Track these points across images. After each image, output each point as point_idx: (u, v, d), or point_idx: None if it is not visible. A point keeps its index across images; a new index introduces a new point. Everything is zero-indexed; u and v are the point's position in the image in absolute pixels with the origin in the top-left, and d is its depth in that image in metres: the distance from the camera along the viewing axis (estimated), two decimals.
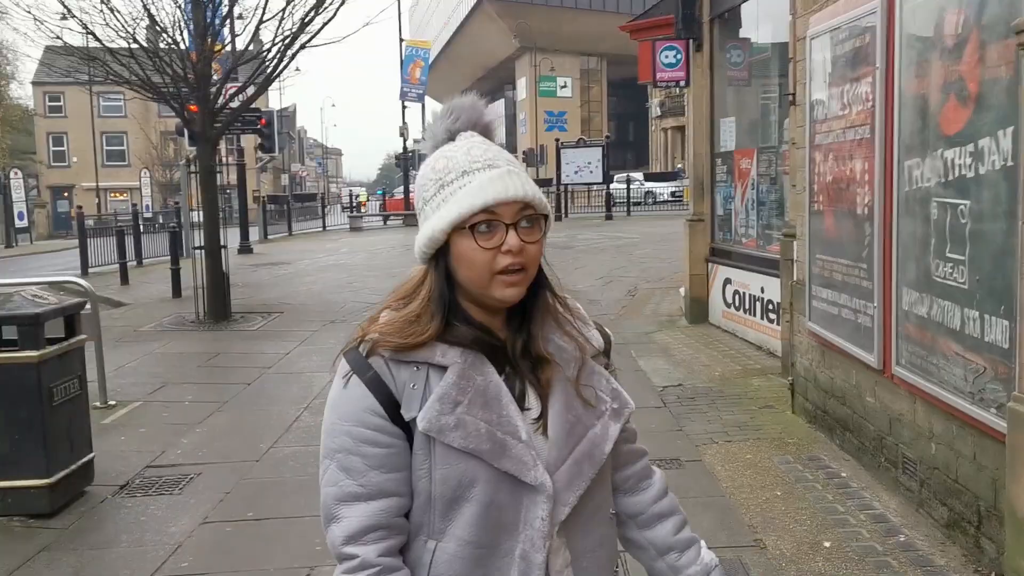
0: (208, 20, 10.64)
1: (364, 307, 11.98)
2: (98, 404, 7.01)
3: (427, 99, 36.21)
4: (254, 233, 26.16)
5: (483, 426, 1.29)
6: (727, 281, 9.53)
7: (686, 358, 8.42)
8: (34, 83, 55.03)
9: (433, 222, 1.32)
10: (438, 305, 1.34)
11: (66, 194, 57.56)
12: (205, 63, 10.64)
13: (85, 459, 5.15)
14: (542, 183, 39.21)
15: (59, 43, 11.38)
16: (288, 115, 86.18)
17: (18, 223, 38.39)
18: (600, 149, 29.81)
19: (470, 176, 1.31)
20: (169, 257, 14.15)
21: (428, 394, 1.30)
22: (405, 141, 34.32)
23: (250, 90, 12.08)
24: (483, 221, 1.29)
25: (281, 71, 10.87)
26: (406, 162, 33.42)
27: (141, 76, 10.46)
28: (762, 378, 7.46)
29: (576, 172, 29.53)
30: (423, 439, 1.30)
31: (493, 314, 1.37)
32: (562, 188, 29.55)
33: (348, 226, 31.02)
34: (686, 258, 10.27)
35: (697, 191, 10.23)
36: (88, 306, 6.21)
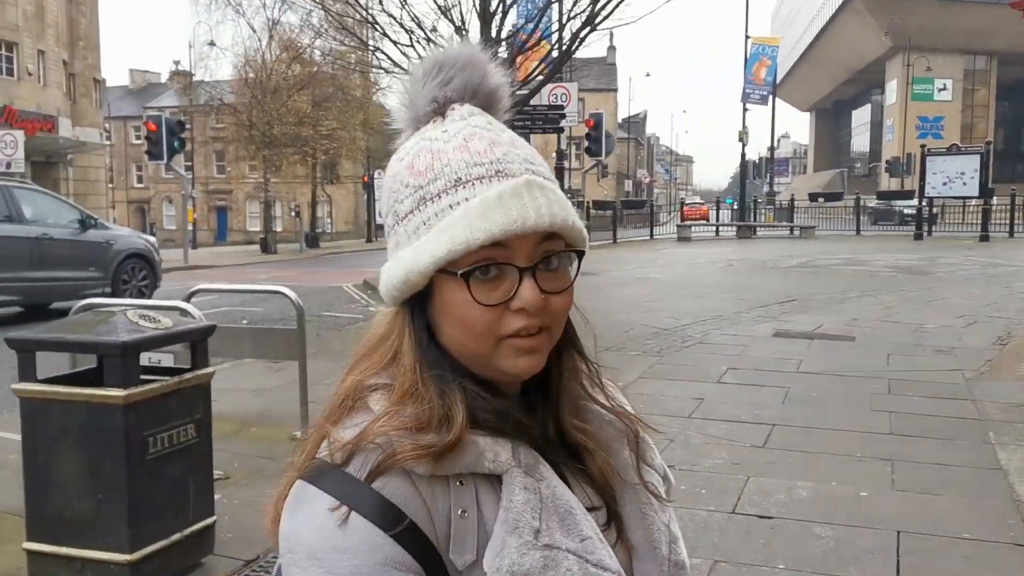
0: (494, 7, 9.58)
1: (651, 333, 10.29)
2: (299, 435, 6.10)
3: (778, 102, 33.39)
4: None
5: (573, 562, 0.85)
6: None
7: None
8: None
9: (408, 257, 0.90)
10: (440, 375, 0.90)
11: None
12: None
13: (199, 526, 4.08)
14: (903, 195, 34.47)
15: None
16: (637, 121, 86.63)
17: (378, 220, 41.91)
18: (978, 157, 25.10)
19: (467, 188, 0.88)
20: None
21: (484, 524, 0.86)
22: (744, 147, 31.83)
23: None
24: (485, 263, 0.86)
25: (570, 56, 9.48)
26: (743, 169, 30.93)
27: (406, 63, 9.69)
28: None
29: (944, 184, 25.16)
30: None
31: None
32: (925, 202, 25.33)
33: (676, 236, 29.35)
34: None
35: None
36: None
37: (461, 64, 0.95)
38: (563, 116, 16.04)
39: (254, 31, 37.05)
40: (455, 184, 0.88)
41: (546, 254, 0.89)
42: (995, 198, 25.88)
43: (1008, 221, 25.38)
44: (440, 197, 0.88)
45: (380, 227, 26.76)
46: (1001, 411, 6.80)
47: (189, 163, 55.62)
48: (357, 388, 0.93)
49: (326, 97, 36.38)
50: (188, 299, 6.39)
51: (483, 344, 0.89)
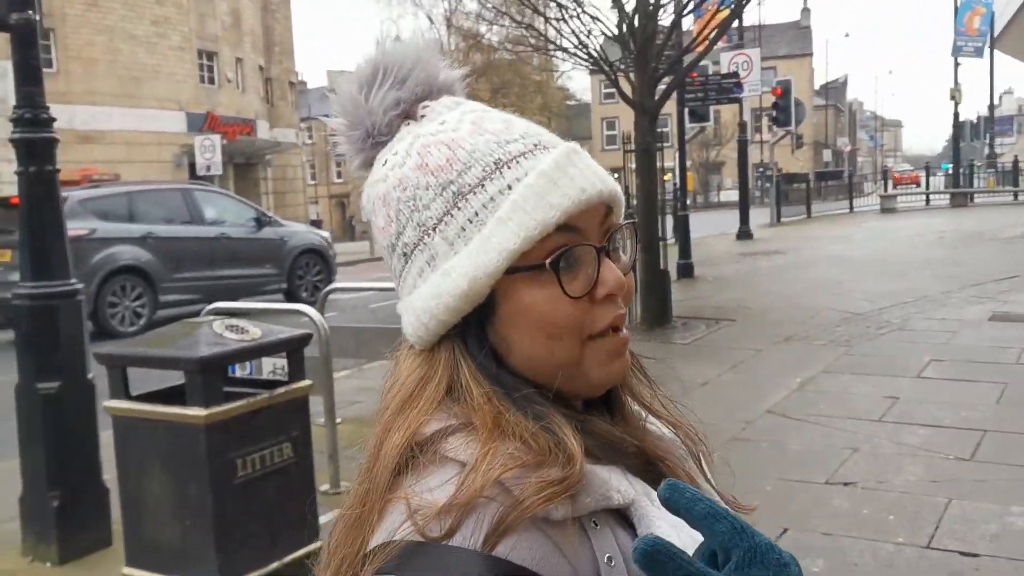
0: None
1: (840, 319, 9.23)
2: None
3: (997, 55, 30.06)
4: (765, 216, 24.02)
5: None
6: None
7: None
8: (591, 72, 59.55)
9: (464, 263, 0.75)
10: (526, 397, 0.75)
11: (616, 175, 61.40)
12: (647, 18, 8.85)
13: (300, 553, 3.74)
14: None
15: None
16: (836, 87, 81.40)
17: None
18: None
19: (513, 168, 0.76)
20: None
21: (631, 570, 0.71)
22: (957, 105, 28.82)
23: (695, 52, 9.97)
24: (568, 248, 0.75)
25: (738, 16, 8.58)
26: (956, 130, 28.06)
27: (574, 41, 9.12)
28: None
29: None
30: None
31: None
32: None
33: (880, 207, 27.06)
34: None
35: None
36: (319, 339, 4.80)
37: (410, 64, 0.84)
38: (740, 86, 14.91)
39: (432, 22, 37.67)
40: (495, 167, 0.77)
41: (611, 233, 0.79)
42: None
43: None
44: (483, 186, 0.76)
45: None
46: None
47: None
48: (413, 442, 0.74)
49: (504, 83, 36.45)
50: (323, 300, 6.18)
51: (571, 350, 0.77)
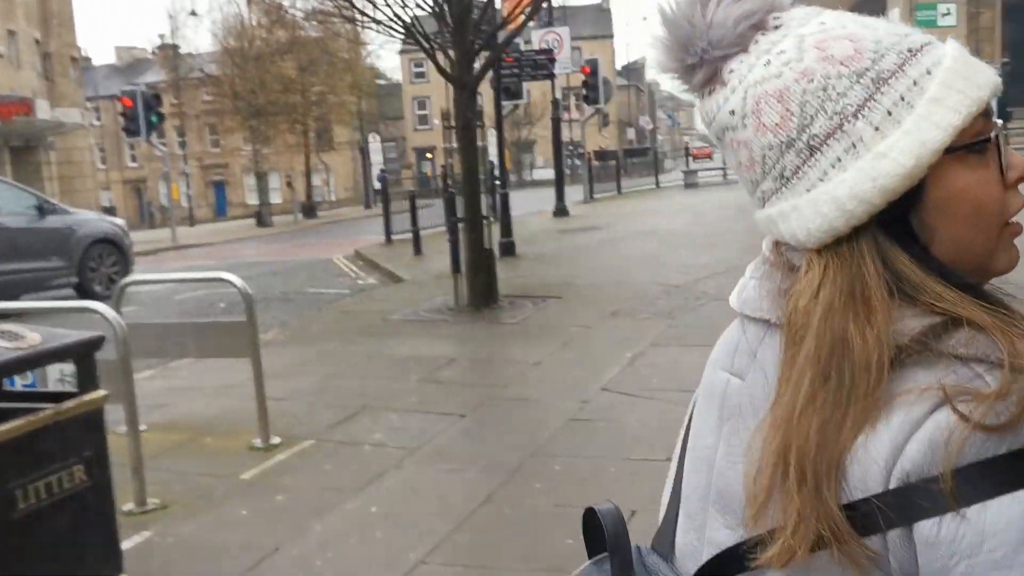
0: None
1: (661, 292, 9.38)
2: (258, 443, 5.26)
3: None
4: (578, 193, 24.48)
5: None
6: None
7: None
8: (400, 52, 58.62)
9: (903, 143, 0.75)
10: (977, 285, 0.78)
11: (429, 155, 60.99)
12: None
13: None
14: None
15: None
16: (636, 68, 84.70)
17: (377, 185, 40.98)
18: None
19: (924, 55, 0.78)
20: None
21: None
22: None
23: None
24: (987, 131, 0.77)
25: None
26: None
27: (388, 14, 8.71)
28: None
29: None
30: None
31: None
32: None
33: (683, 183, 28.28)
34: None
35: None
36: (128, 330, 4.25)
37: None
38: (553, 61, 14.96)
39: None
40: (910, 53, 0.78)
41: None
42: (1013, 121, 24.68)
43: None
44: (903, 70, 0.77)
45: (378, 192, 25.56)
46: None
47: (182, 138, 54.62)
48: (893, 340, 0.73)
49: (311, 61, 35.18)
50: (119, 295, 5.51)
51: (992, 235, 0.78)
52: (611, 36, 64.24)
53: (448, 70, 9.02)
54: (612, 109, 60.32)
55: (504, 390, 6.25)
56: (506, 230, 13.19)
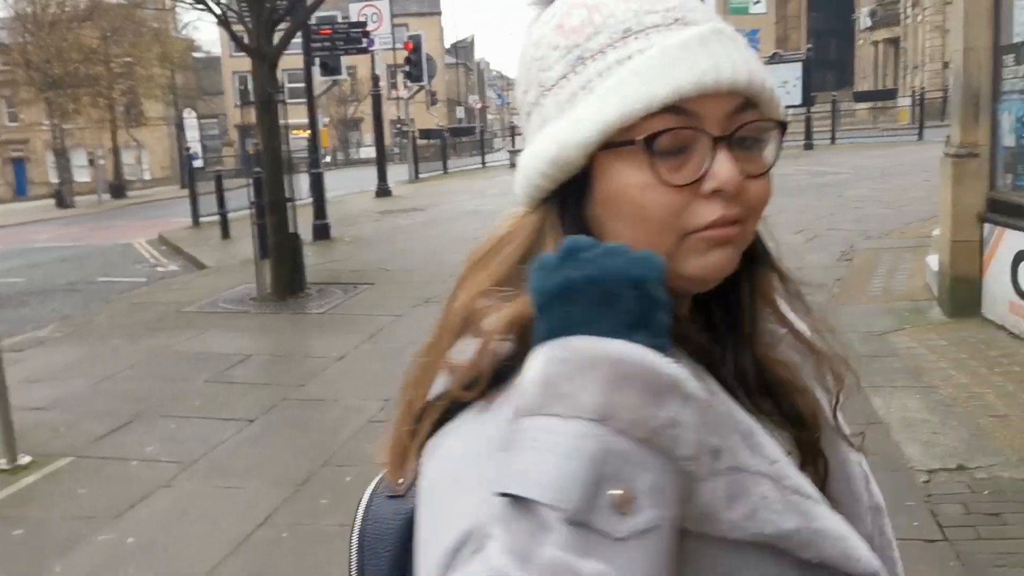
0: None
1: None
2: (2, 464, 4.57)
3: None
4: (403, 172, 23.98)
5: (768, 487, 0.69)
6: (1021, 256, 5.88)
7: (960, 395, 4.95)
8: (219, 23, 55.71)
9: (563, 128, 0.72)
10: None
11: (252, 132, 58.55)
12: None
13: None
14: None
15: None
16: (465, 46, 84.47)
17: (194, 164, 38.73)
18: (800, 65, 25.19)
19: (640, 39, 0.71)
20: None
21: None
22: None
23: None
24: (669, 129, 0.69)
25: None
26: None
27: None
28: None
29: None
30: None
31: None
32: None
33: (508, 162, 28.30)
34: (946, 214, 6.63)
35: (967, 109, 6.48)
36: None
37: None
38: (366, 35, 14.34)
39: None
40: (623, 35, 0.71)
41: (741, 122, 0.71)
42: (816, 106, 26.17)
43: (830, 128, 25.70)
44: (604, 53, 0.71)
45: (197, 171, 24.17)
46: (862, 342, 6.05)
47: None
48: (472, 306, 0.73)
49: (115, 30, 32.60)
50: None
51: (663, 241, 0.70)
52: (439, 13, 63.60)
53: (246, 41, 8.35)
54: (441, 88, 59.84)
55: (300, 390, 5.78)
56: (319, 212, 12.55)
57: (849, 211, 12.02)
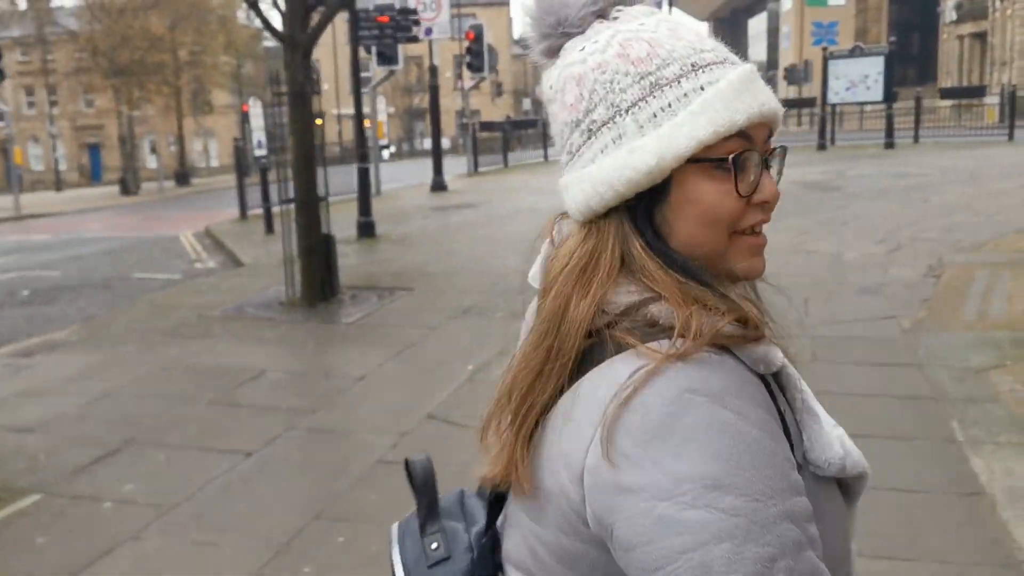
0: None
1: (524, 284, 8.39)
2: None
3: (676, 12, 31.47)
4: (461, 166, 23.40)
5: (840, 441, 0.91)
6: None
7: None
8: (250, 6, 55.77)
9: (653, 144, 0.85)
10: (694, 271, 0.88)
11: (319, 121, 58.58)
12: None
13: None
14: (804, 103, 33.41)
15: None
16: None
17: (257, 152, 38.76)
18: (882, 58, 23.78)
19: (707, 73, 0.87)
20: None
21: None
22: None
23: None
24: (748, 150, 0.87)
25: None
26: None
27: None
28: None
29: (848, 89, 23.81)
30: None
31: None
32: (828, 109, 23.97)
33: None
34: None
35: None
36: None
37: None
38: (417, 23, 13.72)
39: None
40: (692, 69, 0.87)
41: (773, 149, 0.90)
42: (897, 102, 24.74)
43: (913, 126, 24.26)
44: (679, 82, 0.86)
45: (258, 159, 23.97)
46: (956, 381, 5.20)
47: (54, 97, 50.84)
48: (602, 309, 0.85)
49: (181, 18, 32.70)
50: None
51: (721, 240, 0.88)
52: (507, 3, 62.92)
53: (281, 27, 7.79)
54: (507, 79, 59.11)
55: (309, 417, 5.16)
56: (364, 208, 11.98)
57: (936, 218, 10.98)
